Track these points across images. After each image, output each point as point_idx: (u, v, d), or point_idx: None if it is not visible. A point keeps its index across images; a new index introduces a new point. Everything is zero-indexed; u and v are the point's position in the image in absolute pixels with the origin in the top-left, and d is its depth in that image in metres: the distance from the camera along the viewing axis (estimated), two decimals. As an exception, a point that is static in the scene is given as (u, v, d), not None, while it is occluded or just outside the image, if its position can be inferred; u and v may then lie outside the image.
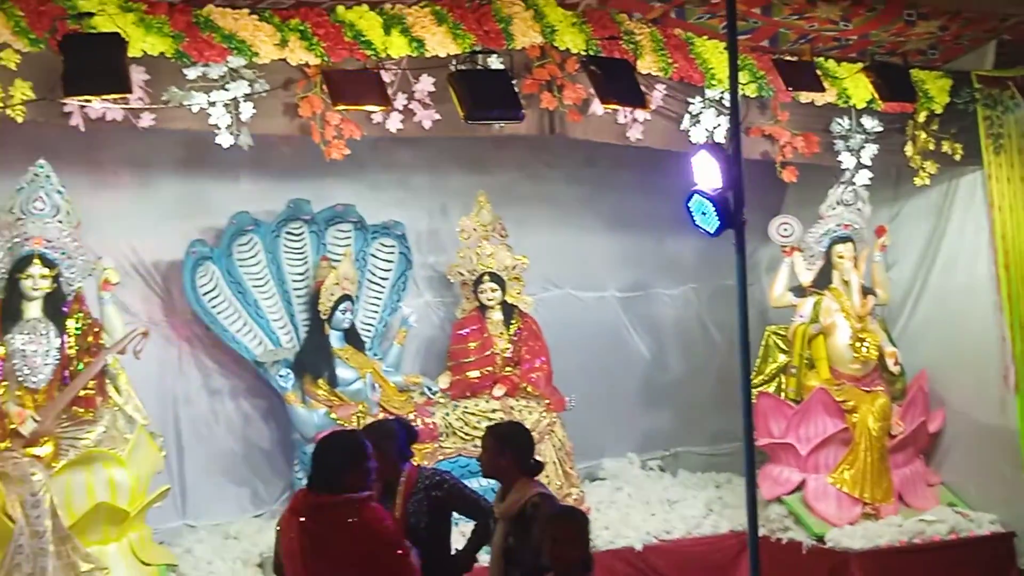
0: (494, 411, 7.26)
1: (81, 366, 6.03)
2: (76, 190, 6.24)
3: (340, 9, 6.08)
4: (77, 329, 6.10)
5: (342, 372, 7.06)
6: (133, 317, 6.70)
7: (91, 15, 5.34)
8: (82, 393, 6.00)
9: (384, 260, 7.56)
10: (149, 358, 6.50)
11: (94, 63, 5.13)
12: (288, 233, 7.22)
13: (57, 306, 6.06)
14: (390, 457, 4.65)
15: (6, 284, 5.98)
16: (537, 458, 4.76)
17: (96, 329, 6.17)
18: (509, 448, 4.61)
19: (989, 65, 7.44)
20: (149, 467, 6.19)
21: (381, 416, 6.68)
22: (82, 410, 6.03)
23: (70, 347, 6.05)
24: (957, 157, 7.58)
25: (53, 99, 5.37)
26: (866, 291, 7.69)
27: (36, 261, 5.95)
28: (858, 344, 7.57)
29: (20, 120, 5.40)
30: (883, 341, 7.73)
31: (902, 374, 7.77)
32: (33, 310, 6.00)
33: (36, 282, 5.96)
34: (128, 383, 6.32)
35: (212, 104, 5.82)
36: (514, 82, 6.35)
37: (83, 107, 5.51)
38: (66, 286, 6.10)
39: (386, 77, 6.10)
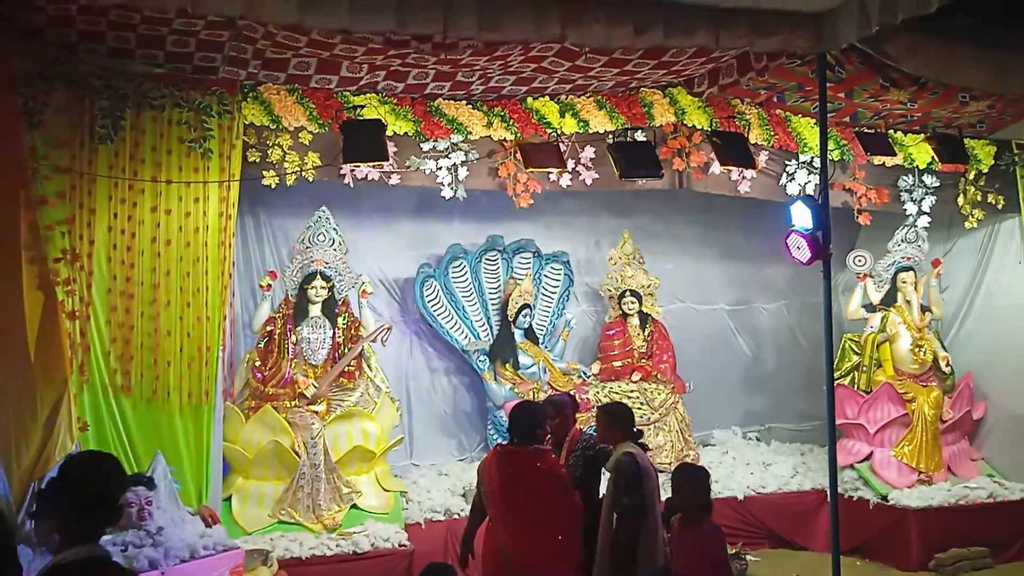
0: (632, 391, 7.17)
1: (346, 350, 6.23)
2: (345, 228, 6.47)
3: (529, 100, 6.19)
4: (344, 324, 6.31)
5: (523, 359, 7.11)
6: (380, 317, 6.87)
7: (361, 107, 5.63)
8: (346, 368, 6.20)
9: (554, 279, 7.57)
10: (390, 345, 6.68)
11: (363, 140, 5.38)
12: (487, 259, 7.32)
13: (331, 308, 6.28)
14: (567, 421, 4.70)
15: (298, 292, 6.28)
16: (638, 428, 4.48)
17: (356, 324, 6.36)
18: (617, 422, 4.38)
19: (1027, 135, 7.01)
20: (389, 422, 6.34)
21: (551, 392, 6.75)
22: (346, 380, 6.22)
23: (339, 336, 6.26)
24: (999, 206, 7.11)
25: (334, 165, 5.64)
26: (924, 309, 7.30)
27: (318, 276, 6.21)
28: (917, 349, 7.18)
29: (311, 179, 5.72)
30: (937, 347, 7.31)
31: (952, 373, 7.31)
32: (315, 310, 6.25)
33: (318, 291, 6.22)
34: (377, 362, 6.50)
35: (439, 168, 6.01)
36: (655, 150, 6.34)
37: (353, 170, 5.78)
38: (337, 294, 6.32)
39: (561, 147, 6.19)
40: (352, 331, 6.34)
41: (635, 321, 7.52)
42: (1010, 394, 7.15)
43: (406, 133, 5.87)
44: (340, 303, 6.36)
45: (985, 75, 5.61)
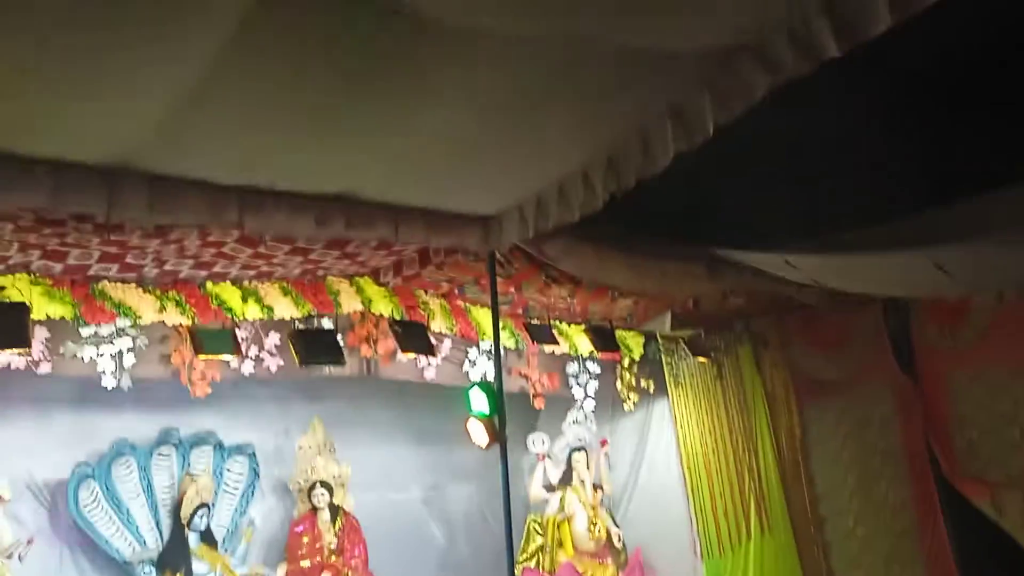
0: (322, 594, 6.69)
1: (-31, 571, 5.21)
2: (-18, 423, 5.61)
3: (209, 284, 5.91)
4: (-30, 540, 5.31)
5: (197, 567, 6.34)
6: (22, 526, 5.87)
7: (2, 288, 4.99)
8: (-32, 594, 5.16)
9: (237, 473, 6.98)
10: (33, 561, 5.69)
11: (3, 325, 4.72)
12: (159, 454, 6.59)
13: (-47, 520, 5.27)
14: None
15: (-93, 502, 5.19)
16: None
17: (-14, 539, 5.38)
18: None
19: (667, 328, 7.87)
20: (21, 658, 5.29)
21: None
22: (-33, 612, 5.16)
23: (-39, 554, 5.24)
24: (651, 390, 7.90)
25: (-38, 352, 4.89)
26: (596, 487, 7.72)
27: (-67, 492, 5.22)
28: (592, 527, 7.50)
29: (-66, 367, 4.90)
30: (610, 524, 7.68)
31: (624, 549, 7.69)
32: (-69, 524, 5.21)
33: (-63, 501, 5.21)
34: (12, 583, 5.47)
35: (100, 356, 5.44)
36: (341, 337, 6.31)
37: (-10, 358, 5.04)
38: (-38, 503, 5.34)
39: (242, 334, 5.93)
40: (-20, 547, 5.29)
41: (326, 515, 7.10)
42: (674, 565, 7.63)
43: (63, 317, 5.28)
44: (-35, 514, 5.31)
45: (627, 276, 6.35)
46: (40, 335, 5.15)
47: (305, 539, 6.97)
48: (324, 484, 7.13)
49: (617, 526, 7.77)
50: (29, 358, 5.16)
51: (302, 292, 6.28)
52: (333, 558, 6.95)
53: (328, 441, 7.33)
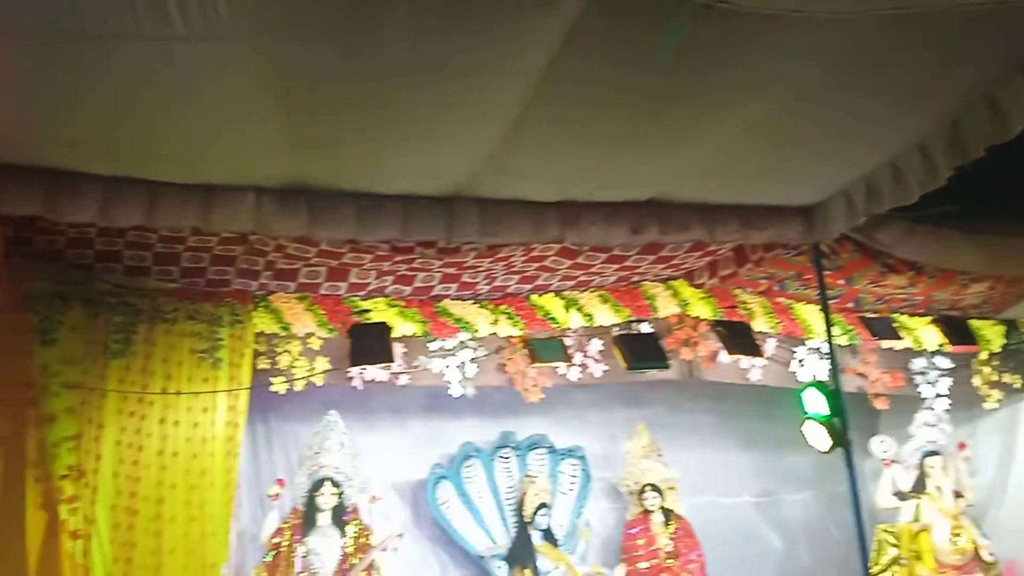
0: (660, 597, 6.76)
1: (355, 560, 5.95)
2: (355, 431, 6.39)
3: (533, 297, 6.31)
4: (353, 533, 6.07)
5: (542, 564, 6.71)
6: (391, 522, 6.53)
7: (368, 311, 5.75)
8: (355, 580, 5.90)
9: (570, 476, 7.32)
10: (404, 554, 6.39)
11: (369, 343, 5.46)
12: (500, 456, 7.12)
13: (340, 515, 6.08)
14: None
15: (307, 500, 6.08)
16: None
17: (367, 532, 6.11)
18: None
19: (1034, 315, 6.98)
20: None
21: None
22: (356, 593, 5.91)
23: (348, 546, 6.01)
24: (1017, 386, 6.98)
25: (340, 369, 5.69)
26: (956, 494, 6.97)
27: (327, 483, 6.05)
28: (955, 538, 6.77)
29: (320, 383, 5.74)
30: (976, 535, 6.88)
31: (995, 563, 6.83)
32: (324, 519, 6.02)
33: (327, 498, 6.03)
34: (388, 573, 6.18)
35: (447, 367, 6.04)
36: (661, 341, 6.40)
37: (361, 373, 5.81)
38: (346, 500, 6.12)
39: (567, 341, 6.24)
40: (362, 539, 6.08)
41: (658, 517, 7.15)
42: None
43: (414, 334, 5.95)
44: (349, 510, 6.15)
45: (978, 259, 5.67)
46: (398, 351, 5.83)
47: (640, 541, 7.09)
48: (654, 487, 7.22)
49: (986, 537, 6.96)
50: (391, 372, 5.87)
51: (619, 299, 6.46)
52: (669, 561, 6.99)
53: (654, 445, 7.43)
